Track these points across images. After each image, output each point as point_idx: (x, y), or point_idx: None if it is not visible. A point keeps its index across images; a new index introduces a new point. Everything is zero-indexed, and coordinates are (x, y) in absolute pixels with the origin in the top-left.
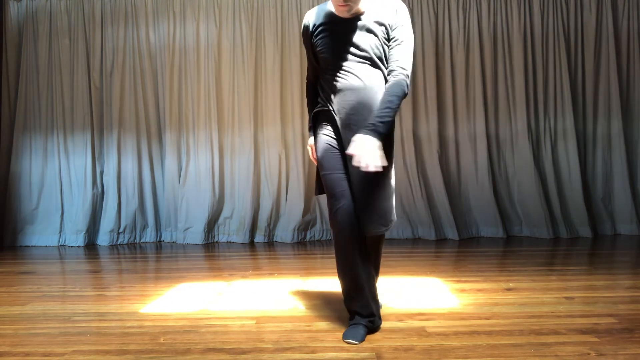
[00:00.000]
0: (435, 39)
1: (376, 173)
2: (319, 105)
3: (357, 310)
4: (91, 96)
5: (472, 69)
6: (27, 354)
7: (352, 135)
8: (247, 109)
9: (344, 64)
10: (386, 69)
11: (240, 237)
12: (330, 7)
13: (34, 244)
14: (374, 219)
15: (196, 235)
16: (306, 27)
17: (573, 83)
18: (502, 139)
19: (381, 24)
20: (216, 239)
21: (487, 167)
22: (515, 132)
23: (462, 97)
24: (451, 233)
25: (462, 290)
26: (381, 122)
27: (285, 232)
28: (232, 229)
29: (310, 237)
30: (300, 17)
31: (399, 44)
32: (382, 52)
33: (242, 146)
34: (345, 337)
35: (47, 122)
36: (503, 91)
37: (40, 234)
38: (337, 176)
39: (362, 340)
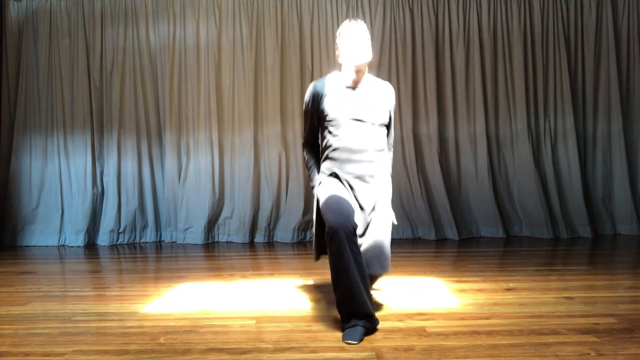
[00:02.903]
0: (435, 39)
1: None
2: (325, 168)
3: (354, 309)
4: (91, 96)
5: (472, 69)
6: (27, 354)
7: (363, 184)
8: (247, 109)
9: (358, 125)
10: (388, 130)
11: (240, 237)
12: (336, 78)
13: (34, 244)
14: (382, 260)
15: (196, 235)
16: (316, 94)
17: (573, 83)
18: (502, 139)
19: (385, 98)
20: (216, 239)
21: (487, 167)
22: (515, 132)
23: (462, 97)
24: (451, 233)
25: (462, 290)
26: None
27: (285, 232)
28: (232, 229)
29: (310, 237)
30: (301, 17)
31: (392, 126)
32: (385, 118)
33: (242, 146)
34: (344, 338)
35: (47, 122)
36: (503, 91)
37: (40, 234)
38: (345, 201)
39: (360, 340)
